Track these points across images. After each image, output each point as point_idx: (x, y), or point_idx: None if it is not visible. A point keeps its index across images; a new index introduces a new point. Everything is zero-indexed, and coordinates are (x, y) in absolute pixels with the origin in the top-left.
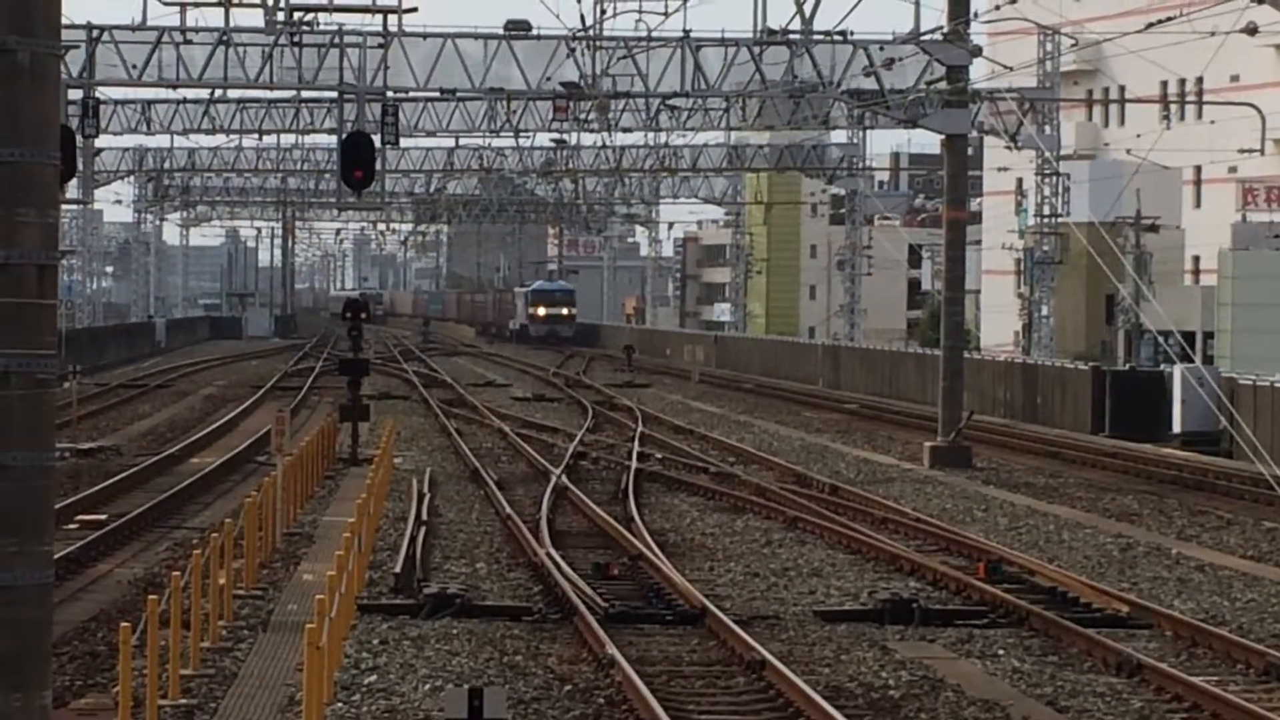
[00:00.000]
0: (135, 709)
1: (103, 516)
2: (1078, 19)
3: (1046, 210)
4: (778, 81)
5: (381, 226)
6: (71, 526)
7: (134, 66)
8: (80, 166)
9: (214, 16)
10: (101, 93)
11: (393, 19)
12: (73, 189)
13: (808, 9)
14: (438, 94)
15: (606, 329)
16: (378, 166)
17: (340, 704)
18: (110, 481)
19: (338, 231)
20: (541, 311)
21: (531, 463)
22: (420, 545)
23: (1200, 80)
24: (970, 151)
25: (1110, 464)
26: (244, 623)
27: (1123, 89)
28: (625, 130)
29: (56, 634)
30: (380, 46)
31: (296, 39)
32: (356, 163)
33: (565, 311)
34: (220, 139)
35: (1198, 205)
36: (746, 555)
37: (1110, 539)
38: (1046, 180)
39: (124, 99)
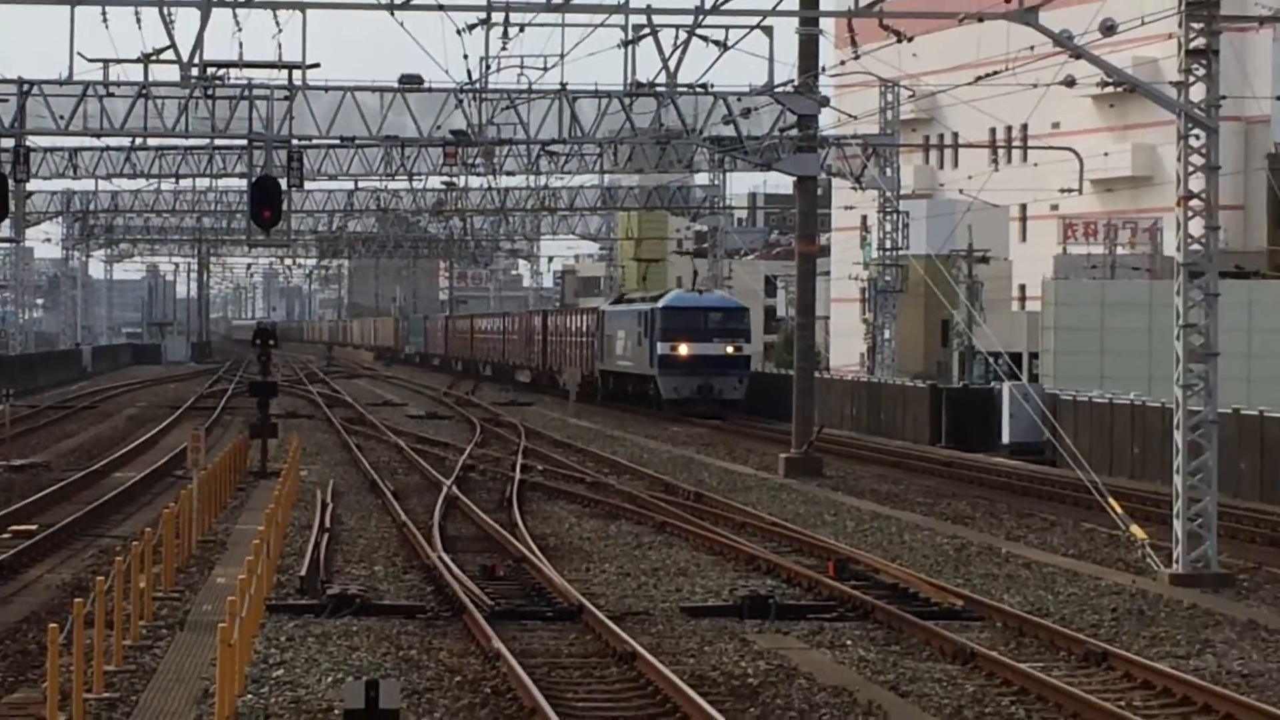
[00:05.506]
0: (63, 702)
1: (33, 526)
2: (915, 72)
3: (888, 244)
4: (646, 129)
5: (289, 261)
6: (5, 536)
7: (61, 117)
8: (13, 208)
9: (134, 72)
10: (32, 141)
11: (297, 74)
12: (6, 228)
13: (672, 64)
14: (338, 141)
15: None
16: (284, 207)
17: (250, 695)
18: (40, 495)
19: (249, 266)
20: (685, 350)
21: (425, 474)
22: (324, 550)
23: (1025, 127)
24: (820, 191)
25: (946, 472)
26: (162, 622)
27: (956, 135)
28: (509, 173)
29: None
30: (286, 99)
31: (210, 92)
32: (265, 204)
33: (729, 349)
34: (141, 183)
35: (1023, 239)
36: (619, 557)
37: (947, 539)
38: (888, 217)
39: (52, 147)
